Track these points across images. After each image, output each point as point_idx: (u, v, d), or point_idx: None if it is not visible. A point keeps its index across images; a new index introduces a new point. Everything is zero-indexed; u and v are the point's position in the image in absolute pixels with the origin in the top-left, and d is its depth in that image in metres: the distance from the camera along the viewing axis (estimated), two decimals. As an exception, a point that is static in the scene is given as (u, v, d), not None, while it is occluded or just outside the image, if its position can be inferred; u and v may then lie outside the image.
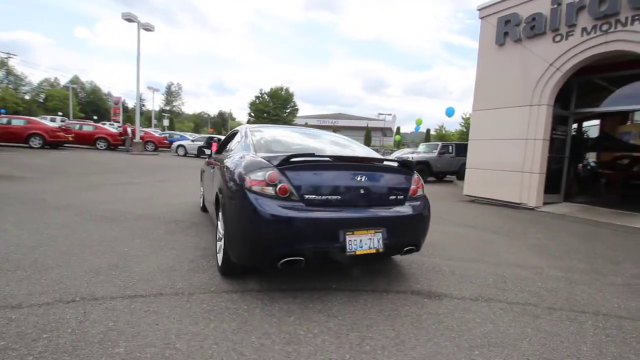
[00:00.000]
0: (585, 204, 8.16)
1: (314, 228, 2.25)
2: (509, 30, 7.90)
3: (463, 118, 29.93)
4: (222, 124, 64.83)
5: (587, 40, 6.61)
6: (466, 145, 9.65)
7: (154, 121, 42.34)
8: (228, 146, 3.85)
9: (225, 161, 2.96)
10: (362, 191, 2.47)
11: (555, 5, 7.01)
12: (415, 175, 2.84)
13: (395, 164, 2.72)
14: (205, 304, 2.27)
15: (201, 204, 5.17)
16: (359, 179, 2.47)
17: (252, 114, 35.02)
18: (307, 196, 2.30)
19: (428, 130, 43.86)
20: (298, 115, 40.46)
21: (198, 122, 78.15)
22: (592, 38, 6.53)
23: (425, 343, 1.98)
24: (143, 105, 53.32)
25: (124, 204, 5.37)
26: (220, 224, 2.77)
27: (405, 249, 2.64)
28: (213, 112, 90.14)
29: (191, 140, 21.66)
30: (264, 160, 2.39)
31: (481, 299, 2.66)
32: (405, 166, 2.77)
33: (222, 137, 20.00)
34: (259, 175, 2.30)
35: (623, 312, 2.57)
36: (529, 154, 7.64)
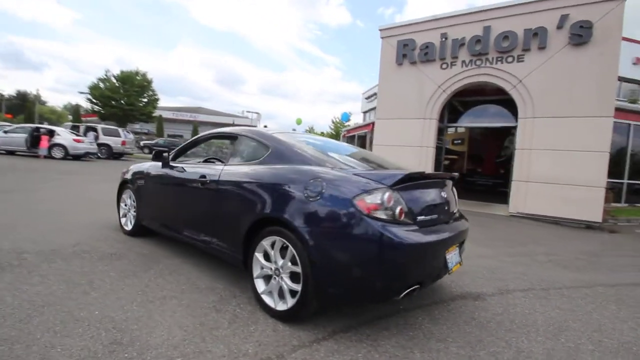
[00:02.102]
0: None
1: (433, 251, 2.08)
2: (407, 52, 9.22)
3: (333, 122, 33.04)
4: (25, 108, 44.24)
5: (465, 70, 8.44)
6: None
7: None
8: (228, 154, 3.00)
9: (271, 179, 2.29)
10: (446, 207, 2.42)
11: (444, 39, 8.64)
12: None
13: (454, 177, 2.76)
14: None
15: (129, 226, 3.82)
16: (443, 195, 2.40)
17: (95, 100, 27.72)
18: (419, 217, 2.07)
19: (294, 130, 46.26)
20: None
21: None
22: (469, 69, 8.39)
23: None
24: None
25: (-13, 234, 3.40)
26: (283, 262, 2.14)
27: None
28: (8, 91, 63.68)
29: (3, 132, 15.22)
30: (371, 180, 2.00)
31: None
32: (453, 179, 2.85)
33: (53, 127, 15.13)
34: (376, 198, 1.92)
35: (579, 284, 3.43)
36: (423, 158, 9.15)
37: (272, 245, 2.25)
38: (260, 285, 2.33)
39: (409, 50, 9.16)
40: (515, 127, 8.44)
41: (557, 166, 7.26)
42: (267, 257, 2.31)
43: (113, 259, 3.06)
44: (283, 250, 2.20)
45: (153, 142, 28.39)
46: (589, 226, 7.08)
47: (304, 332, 2.08)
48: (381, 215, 1.91)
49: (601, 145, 6.89)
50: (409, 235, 1.91)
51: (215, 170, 2.77)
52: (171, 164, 3.36)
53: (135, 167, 3.98)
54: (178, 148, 3.51)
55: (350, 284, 1.97)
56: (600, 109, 6.89)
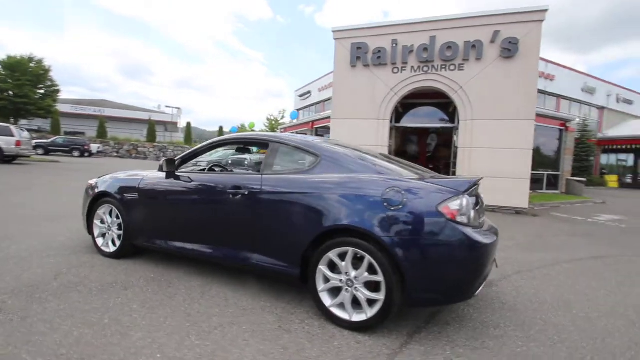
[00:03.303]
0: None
1: (494, 249, 2.27)
2: (360, 55, 9.60)
3: (268, 119, 32.34)
4: None
5: (414, 75, 9.17)
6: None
7: None
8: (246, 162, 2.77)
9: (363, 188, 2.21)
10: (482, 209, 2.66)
11: (395, 45, 9.23)
12: None
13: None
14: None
15: (112, 247, 3.28)
16: (480, 198, 2.63)
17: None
18: (478, 220, 2.26)
19: (221, 128, 43.93)
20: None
21: None
22: (418, 75, 9.13)
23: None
24: None
25: None
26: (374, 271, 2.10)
27: None
28: None
29: None
30: (448, 187, 2.11)
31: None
32: None
33: None
34: (456, 204, 2.04)
35: (549, 262, 4.10)
36: (378, 157, 9.67)
37: (340, 256, 2.20)
38: (326, 299, 2.25)
39: (362, 53, 9.55)
40: (452, 128, 9.50)
41: (493, 162, 8.42)
42: (331, 269, 2.25)
43: (120, 289, 2.59)
44: (354, 260, 2.17)
45: (48, 141, 24.10)
46: (517, 212, 8.40)
47: (386, 339, 2.09)
48: (462, 219, 2.04)
49: (526, 144, 8.23)
50: (483, 236, 2.08)
51: (253, 181, 2.56)
52: (178, 173, 2.97)
53: (113, 178, 3.40)
54: (182, 156, 3.11)
55: (441, 286, 2.05)
56: (525, 113, 8.21)
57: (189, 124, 47.10)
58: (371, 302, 2.13)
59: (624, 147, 22.83)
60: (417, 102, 10.19)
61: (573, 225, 7.10)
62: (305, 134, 17.31)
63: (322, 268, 2.25)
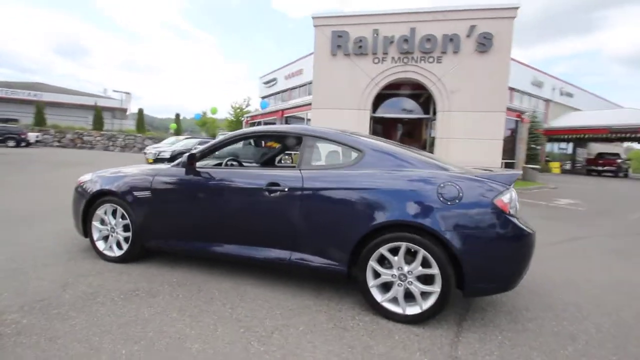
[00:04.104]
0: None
1: None
2: (341, 44, 9.53)
3: (232, 107, 31.03)
4: None
5: (395, 66, 9.32)
6: (265, 137, 11.08)
7: None
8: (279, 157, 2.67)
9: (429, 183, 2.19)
10: None
11: (376, 35, 9.28)
12: None
13: None
14: None
15: (118, 251, 3.01)
16: None
17: None
18: None
19: (177, 116, 41.48)
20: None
21: None
22: (398, 66, 9.29)
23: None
24: None
25: None
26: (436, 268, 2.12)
27: None
28: None
29: None
30: (497, 182, 2.18)
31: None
32: None
33: None
34: (507, 197, 2.13)
35: (544, 244, 4.46)
36: (359, 147, 9.78)
37: (391, 251, 2.21)
38: (377, 294, 2.26)
39: (343, 42, 9.49)
40: (425, 119, 9.87)
41: (469, 152, 8.91)
42: (380, 263, 2.25)
43: (146, 297, 2.39)
44: (406, 255, 2.19)
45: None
46: (489, 198, 9.01)
47: (440, 330, 2.15)
48: (512, 212, 2.13)
49: (498, 134, 8.79)
50: (528, 227, 2.20)
51: (291, 176, 2.46)
52: (199, 169, 2.77)
53: (116, 175, 3.08)
54: (202, 150, 2.88)
55: (496, 276, 2.14)
56: (497, 105, 8.74)
57: (141, 111, 43.93)
58: (425, 295, 2.17)
59: (565, 136, 25.30)
60: (393, 92, 10.42)
61: (540, 209, 7.77)
62: (274, 123, 16.97)
63: (373, 263, 2.24)
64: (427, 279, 2.18)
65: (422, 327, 2.18)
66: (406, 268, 2.18)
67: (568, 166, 25.57)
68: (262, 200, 2.51)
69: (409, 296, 2.20)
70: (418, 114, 10.46)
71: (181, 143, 15.80)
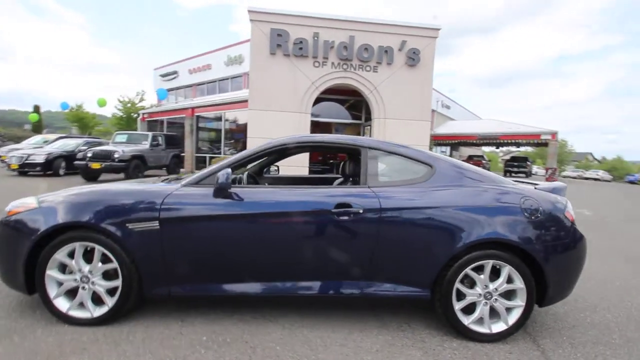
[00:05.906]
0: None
1: None
2: (281, 43, 9.11)
3: (120, 101, 26.36)
4: None
5: (335, 72, 9.42)
6: (175, 137, 10.77)
7: None
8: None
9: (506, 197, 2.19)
10: None
11: (316, 39, 9.19)
12: None
13: None
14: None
15: (97, 311, 2.15)
16: None
17: None
18: None
19: (36, 107, 33.39)
20: None
21: None
22: (338, 71, 9.42)
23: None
24: None
25: None
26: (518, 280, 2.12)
27: None
28: None
29: None
30: (560, 194, 2.33)
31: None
32: None
33: None
34: (571, 209, 2.30)
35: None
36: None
37: (475, 270, 2.15)
38: (462, 317, 2.15)
39: (283, 41, 9.11)
40: (361, 125, 10.37)
41: (401, 156, 9.67)
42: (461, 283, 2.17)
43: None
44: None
45: None
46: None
47: (522, 344, 2.18)
48: (574, 221, 2.31)
49: (424, 140, 9.81)
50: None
51: (363, 196, 2.15)
52: (232, 190, 2.17)
53: (90, 199, 2.17)
54: (231, 162, 2.27)
55: (569, 285, 2.27)
56: (422, 115, 9.73)
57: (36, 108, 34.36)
58: (508, 310, 2.17)
59: (447, 142, 30.21)
60: (329, 97, 10.55)
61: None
62: (182, 123, 15.23)
63: (458, 285, 2.14)
64: (508, 295, 2.19)
65: (504, 344, 2.17)
66: (492, 286, 2.14)
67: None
68: (330, 226, 2.12)
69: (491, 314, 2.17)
70: (354, 119, 10.85)
71: (57, 144, 12.37)
